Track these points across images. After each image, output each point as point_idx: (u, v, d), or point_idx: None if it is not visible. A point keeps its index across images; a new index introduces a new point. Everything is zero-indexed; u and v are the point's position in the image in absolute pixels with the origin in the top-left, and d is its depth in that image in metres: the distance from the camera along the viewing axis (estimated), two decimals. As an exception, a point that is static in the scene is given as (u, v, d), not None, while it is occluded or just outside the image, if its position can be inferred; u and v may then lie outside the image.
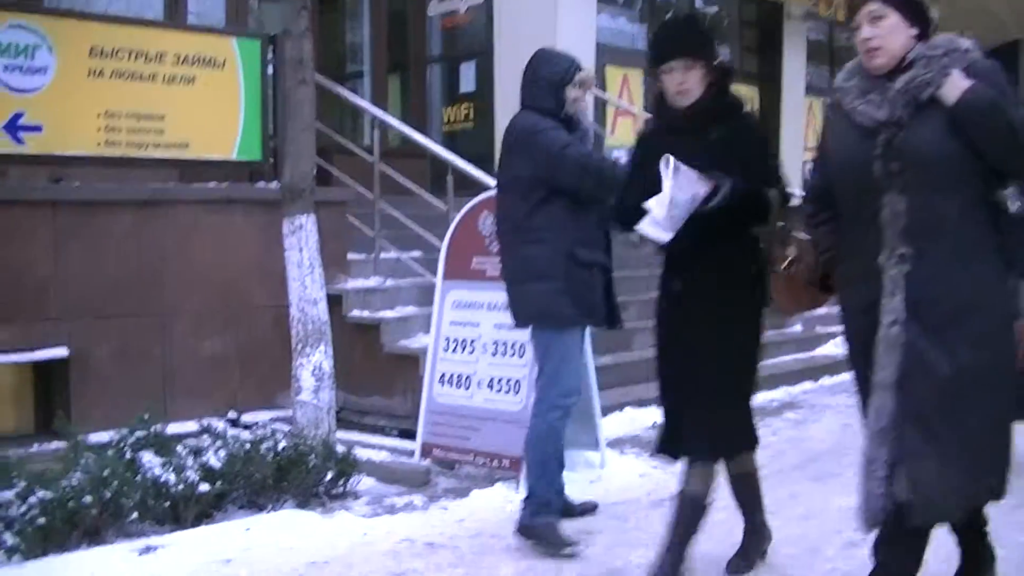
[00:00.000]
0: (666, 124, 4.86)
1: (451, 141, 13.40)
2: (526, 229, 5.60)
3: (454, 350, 7.26)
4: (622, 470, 7.08)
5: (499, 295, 6.81)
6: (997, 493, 3.99)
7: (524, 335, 6.58)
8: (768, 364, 10.63)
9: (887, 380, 3.91)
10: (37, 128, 7.76)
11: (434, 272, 7.83)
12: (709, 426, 4.70)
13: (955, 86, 3.80)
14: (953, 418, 3.83)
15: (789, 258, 4.49)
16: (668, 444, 4.87)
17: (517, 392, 6.87)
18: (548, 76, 5.74)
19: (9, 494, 5.53)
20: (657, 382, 4.97)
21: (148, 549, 5.51)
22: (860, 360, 4.09)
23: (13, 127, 7.68)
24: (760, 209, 4.65)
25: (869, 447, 3.99)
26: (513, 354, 6.96)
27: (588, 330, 6.15)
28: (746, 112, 4.94)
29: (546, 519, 5.59)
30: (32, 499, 5.49)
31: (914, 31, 3.97)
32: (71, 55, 7.93)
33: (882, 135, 3.91)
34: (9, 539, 5.42)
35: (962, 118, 3.78)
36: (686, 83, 4.69)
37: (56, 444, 6.78)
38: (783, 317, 11.15)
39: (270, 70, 8.94)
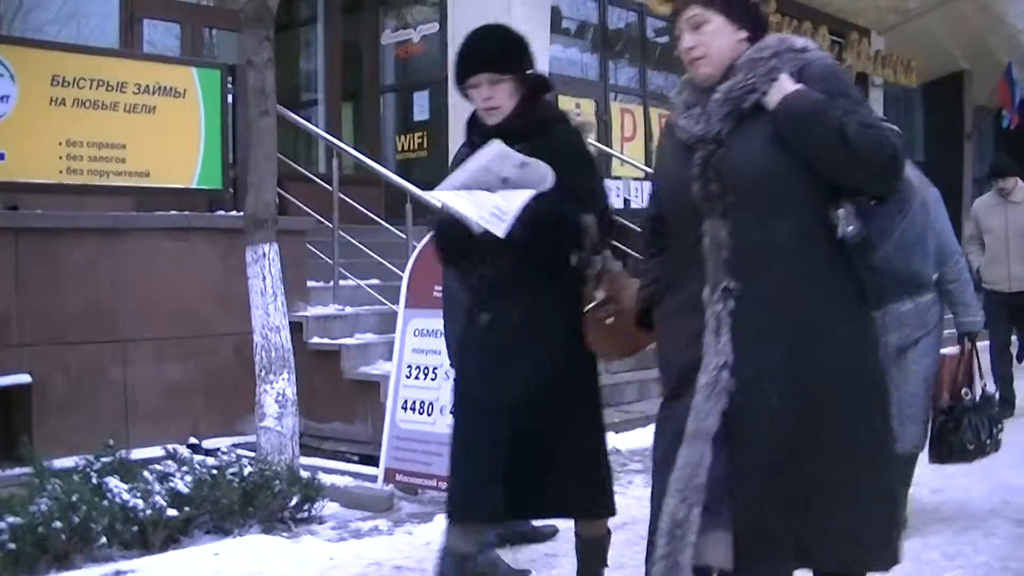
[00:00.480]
0: (478, 144, 4.25)
1: (405, 169, 13.50)
2: None
3: (416, 377, 7.31)
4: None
5: (462, 322, 6.93)
6: (882, 560, 3.36)
7: None
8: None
9: (706, 430, 3.23)
10: (-2, 155, 7.79)
11: (393, 299, 7.90)
12: (581, 484, 4.24)
13: (780, 91, 3.27)
14: (808, 478, 3.23)
15: (598, 299, 4.11)
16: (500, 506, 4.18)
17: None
18: None
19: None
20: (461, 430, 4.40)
21: (118, 573, 5.54)
22: (673, 404, 3.42)
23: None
24: (570, 233, 4.16)
25: (675, 508, 3.24)
26: (472, 380, 7.01)
27: None
28: (567, 128, 4.48)
29: (485, 557, 5.33)
30: (1, 524, 5.50)
31: (742, 34, 3.43)
32: (33, 84, 7.96)
33: (699, 152, 3.34)
34: (-21, 564, 5.43)
35: (783, 125, 3.23)
36: (494, 98, 4.26)
37: (19, 470, 6.79)
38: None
39: (230, 99, 8.98)
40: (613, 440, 8.69)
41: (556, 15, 14.05)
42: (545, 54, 13.41)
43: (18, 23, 11.92)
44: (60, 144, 8.07)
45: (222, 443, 7.95)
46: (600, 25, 15.07)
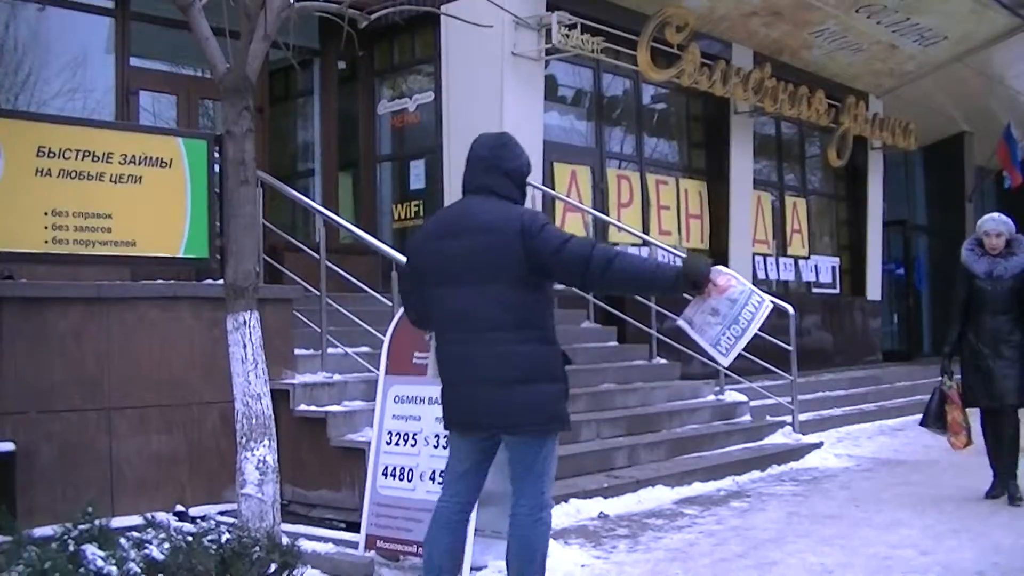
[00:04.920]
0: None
1: (401, 237, 13.60)
2: (529, 325, 5.35)
3: (397, 443, 7.33)
4: (565, 560, 7.13)
5: (435, 390, 6.96)
6: None
7: None
8: (716, 453, 10.81)
9: None
10: (-18, 226, 7.86)
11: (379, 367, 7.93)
12: None
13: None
14: None
15: None
16: None
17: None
18: (515, 169, 5.56)
19: (-53, 589, 5.56)
20: None
21: (90, 643, 5.54)
22: None
23: (-42, 223, 7.79)
24: None
25: None
26: (451, 447, 7.03)
27: None
28: None
29: None
30: (-28, 593, 5.52)
31: None
32: (18, 154, 8.03)
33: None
34: (-52, 633, 5.44)
35: None
36: None
37: (0, 538, 6.81)
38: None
39: (216, 169, 9.06)
40: (602, 505, 8.70)
41: (550, 83, 14.18)
42: (540, 122, 13.53)
43: (23, 98, 12.10)
44: (46, 214, 8.12)
45: (209, 511, 7.99)
46: (595, 92, 15.22)
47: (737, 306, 5.17)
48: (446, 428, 5.75)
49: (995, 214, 9.26)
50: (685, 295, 5.32)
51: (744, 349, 5.34)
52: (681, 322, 5.37)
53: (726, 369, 11.34)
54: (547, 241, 5.25)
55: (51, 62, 12.37)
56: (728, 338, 5.21)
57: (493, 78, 13.19)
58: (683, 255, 11.47)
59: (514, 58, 13.17)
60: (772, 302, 5.37)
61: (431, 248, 5.51)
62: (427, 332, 5.85)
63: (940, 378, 9.20)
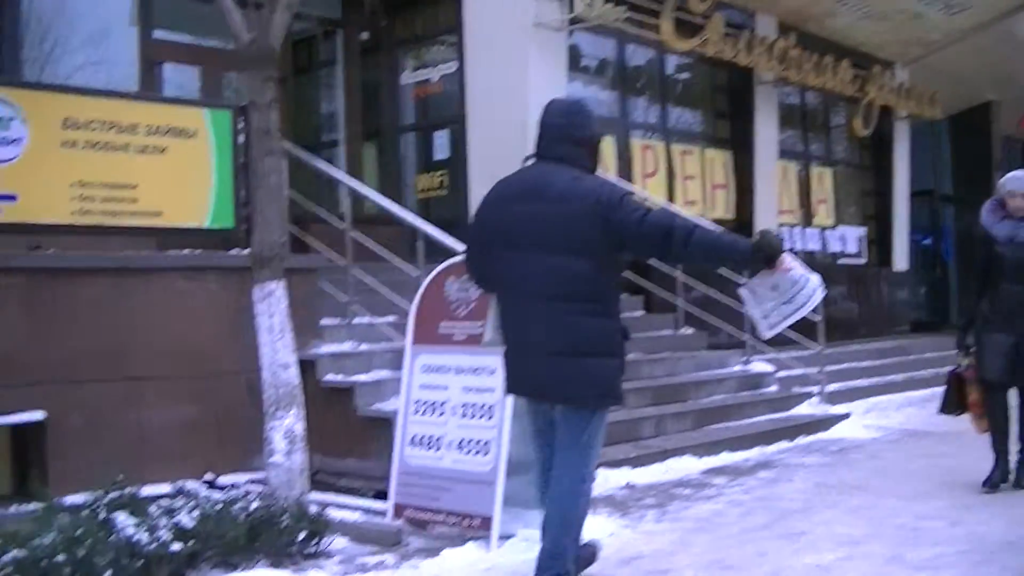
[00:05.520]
0: None
1: (425, 208, 13.59)
2: (593, 298, 5.37)
3: (424, 412, 7.33)
4: (593, 529, 7.09)
5: (467, 359, 7.00)
6: None
7: (492, 397, 6.80)
8: (743, 424, 10.78)
9: None
10: (12, 197, 7.87)
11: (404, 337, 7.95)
12: None
13: None
14: None
15: None
16: None
17: (486, 453, 6.93)
18: (587, 137, 5.60)
19: (-18, 555, 5.59)
20: None
21: (121, 609, 5.58)
22: None
23: (-14, 196, 7.83)
24: None
25: None
26: (482, 416, 7.02)
27: None
28: None
29: None
30: (5, 558, 5.55)
31: None
32: (45, 127, 8.04)
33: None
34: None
35: None
36: None
37: (32, 506, 6.87)
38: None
39: (241, 139, 9.05)
40: (629, 475, 8.70)
41: (574, 53, 14.10)
42: (563, 92, 13.46)
43: (49, 70, 12.09)
44: (72, 186, 8.13)
45: (237, 479, 8.02)
46: (619, 63, 15.12)
47: (796, 287, 5.40)
48: (507, 392, 5.86)
49: (1020, 171, 8.36)
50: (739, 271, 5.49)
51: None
52: (743, 290, 5.60)
53: (757, 340, 11.28)
54: (628, 214, 5.27)
55: (74, 35, 12.35)
56: (778, 314, 5.47)
57: (516, 48, 13.13)
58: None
59: (537, 28, 13.09)
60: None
61: (501, 211, 5.53)
62: (489, 294, 5.85)
63: (956, 353, 8.56)
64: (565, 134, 5.51)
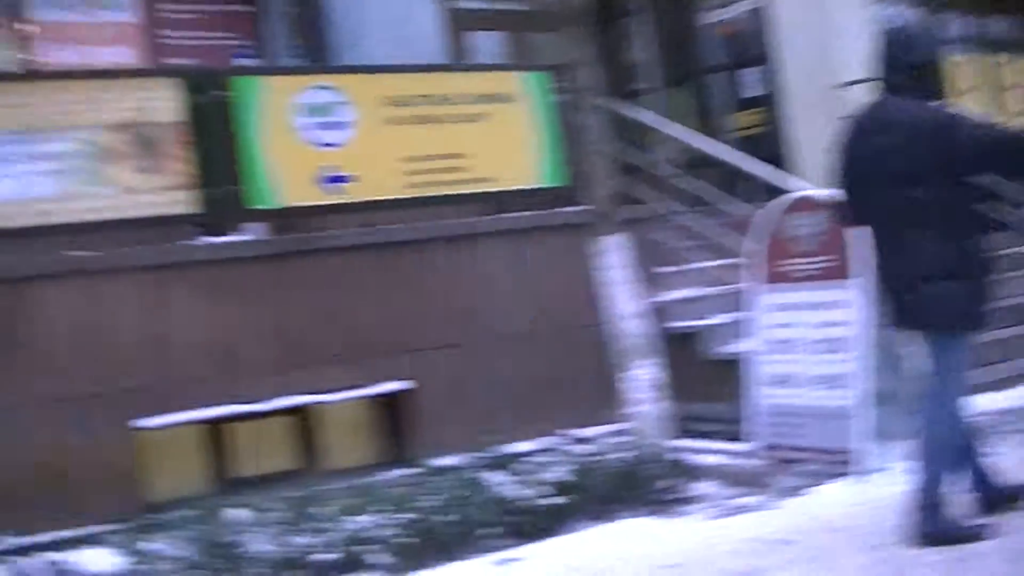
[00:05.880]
0: None
1: (743, 146, 13.40)
2: (939, 223, 5.26)
3: (777, 351, 7.30)
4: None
5: (818, 295, 6.98)
6: None
7: (847, 331, 6.74)
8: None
9: None
10: (350, 179, 8.21)
11: (742, 278, 7.91)
12: None
13: None
14: None
15: None
16: None
17: (845, 387, 6.86)
18: (919, 63, 5.48)
19: (371, 518, 5.87)
20: None
21: (503, 562, 5.78)
22: None
23: (327, 180, 8.17)
24: None
25: None
26: (837, 350, 6.97)
27: None
28: None
29: (943, 522, 5.30)
30: (393, 521, 5.82)
31: None
32: (369, 107, 8.36)
33: None
34: (376, 558, 5.75)
35: None
36: None
37: (406, 471, 7.19)
38: None
39: (559, 98, 9.15)
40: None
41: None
42: (868, 16, 13.08)
43: (357, 51, 12.45)
44: (405, 161, 8.41)
45: (597, 431, 8.14)
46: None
47: None
48: (882, 324, 5.99)
49: None
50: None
51: None
52: None
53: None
54: (963, 134, 5.19)
55: (377, 12, 12.68)
56: None
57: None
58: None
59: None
60: None
61: (854, 145, 5.50)
62: (854, 228, 5.87)
63: None
64: (902, 62, 5.43)
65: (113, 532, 6.34)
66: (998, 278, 5.44)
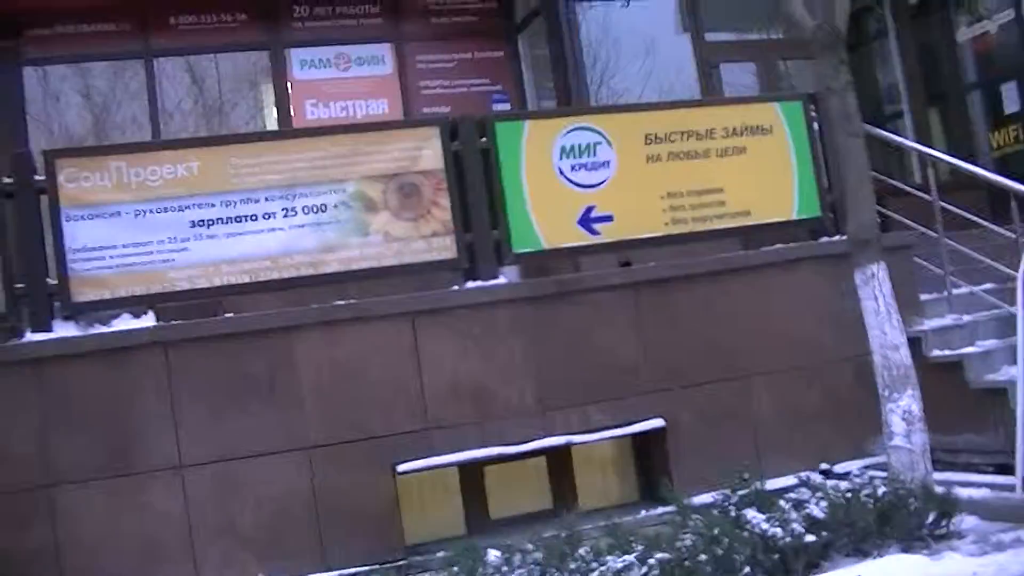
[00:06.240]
0: None
1: (1003, 165, 13.02)
2: None
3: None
4: None
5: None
6: None
7: None
8: None
9: None
10: (608, 218, 8.37)
11: (1010, 302, 7.69)
12: None
13: None
14: None
15: None
16: None
17: None
18: None
19: (629, 558, 5.93)
20: None
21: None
22: None
23: (587, 220, 8.33)
24: None
25: None
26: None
27: None
28: None
29: None
30: (651, 561, 5.86)
31: None
32: (628, 146, 8.50)
33: None
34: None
35: None
36: None
37: (660, 509, 7.26)
38: None
39: (815, 127, 9.10)
40: None
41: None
42: None
43: (604, 90, 12.65)
44: (662, 198, 8.53)
45: (852, 466, 8.03)
46: None
47: None
48: None
49: None
50: None
51: None
52: None
53: None
54: None
55: (625, 50, 12.84)
56: None
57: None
58: None
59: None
60: None
61: None
62: None
63: None
64: None
65: (372, 572, 6.64)
66: None
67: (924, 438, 7.07)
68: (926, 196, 9.61)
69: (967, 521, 6.73)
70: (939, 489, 6.68)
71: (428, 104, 12.38)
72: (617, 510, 7.70)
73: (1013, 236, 8.82)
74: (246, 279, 7.69)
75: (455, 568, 6.03)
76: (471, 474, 8.07)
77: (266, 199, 7.75)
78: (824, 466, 8.17)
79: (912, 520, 6.46)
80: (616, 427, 8.07)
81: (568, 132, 8.39)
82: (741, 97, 11.53)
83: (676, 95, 12.27)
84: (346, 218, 7.89)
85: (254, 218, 7.72)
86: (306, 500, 7.34)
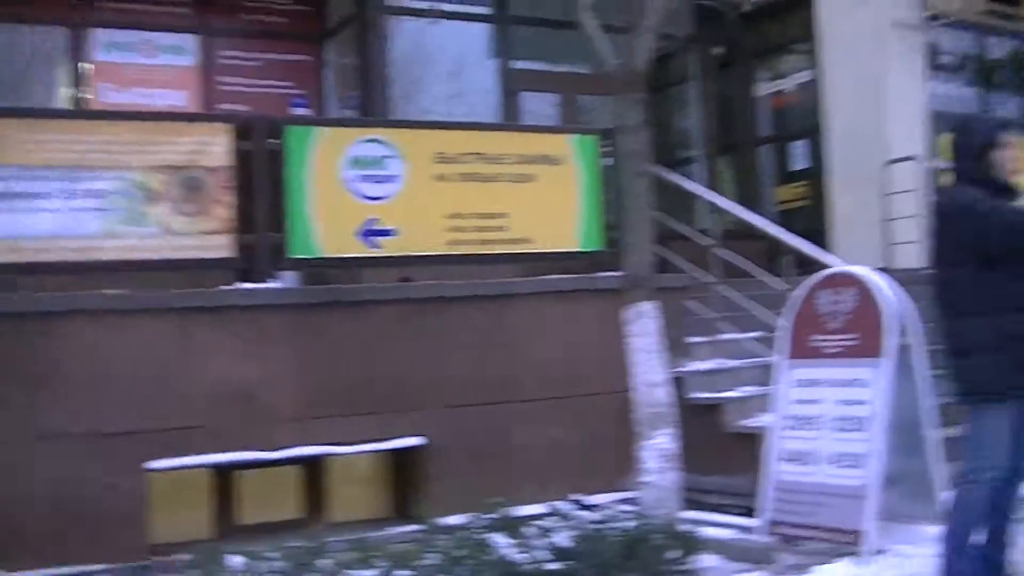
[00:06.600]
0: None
1: (786, 220, 13.43)
2: (974, 302, 5.53)
3: (797, 427, 7.31)
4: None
5: (842, 372, 7.05)
6: None
7: (866, 410, 6.83)
8: None
9: None
10: (389, 232, 8.34)
11: (774, 352, 7.92)
12: None
13: None
14: None
15: None
16: None
17: (859, 467, 6.86)
18: (971, 150, 5.70)
19: (369, 574, 5.89)
20: None
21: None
22: None
23: (368, 232, 8.29)
24: None
25: None
26: (856, 429, 6.97)
27: None
28: None
29: None
30: (393, 577, 5.85)
31: None
32: (419, 162, 8.49)
33: None
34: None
35: None
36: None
37: (411, 527, 7.24)
38: None
39: (607, 163, 9.23)
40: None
41: (932, 51, 13.67)
42: (923, 93, 13.12)
43: (410, 107, 12.65)
44: (447, 217, 8.54)
45: (605, 499, 8.13)
46: (979, 58, 14.53)
47: None
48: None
49: None
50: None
51: None
52: None
53: None
54: (983, 219, 5.49)
55: (434, 70, 12.88)
56: None
57: (874, 51, 12.90)
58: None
59: (895, 28, 12.82)
60: None
61: (933, 232, 5.81)
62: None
63: None
64: (962, 151, 5.74)
65: (109, 572, 6.48)
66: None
67: (676, 476, 7.20)
68: (705, 242, 9.84)
69: (709, 560, 6.86)
70: (685, 527, 6.82)
71: (227, 101, 12.17)
72: (369, 524, 7.68)
73: (783, 288, 9.07)
74: (15, 259, 7.38)
75: (197, 571, 5.92)
76: (225, 478, 7.94)
77: (48, 178, 7.47)
78: (576, 497, 8.24)
79: (656, 556, 6.52)
80: (376, 441, 8.05)
81: (360, 143, 8.33)
82: (536, 126, 11.63)
83: (479, 118, 12.34)
84: (125, 206, 7.68)
85: (32, 196, 7.43)
86: (50, 492, 7.10)
